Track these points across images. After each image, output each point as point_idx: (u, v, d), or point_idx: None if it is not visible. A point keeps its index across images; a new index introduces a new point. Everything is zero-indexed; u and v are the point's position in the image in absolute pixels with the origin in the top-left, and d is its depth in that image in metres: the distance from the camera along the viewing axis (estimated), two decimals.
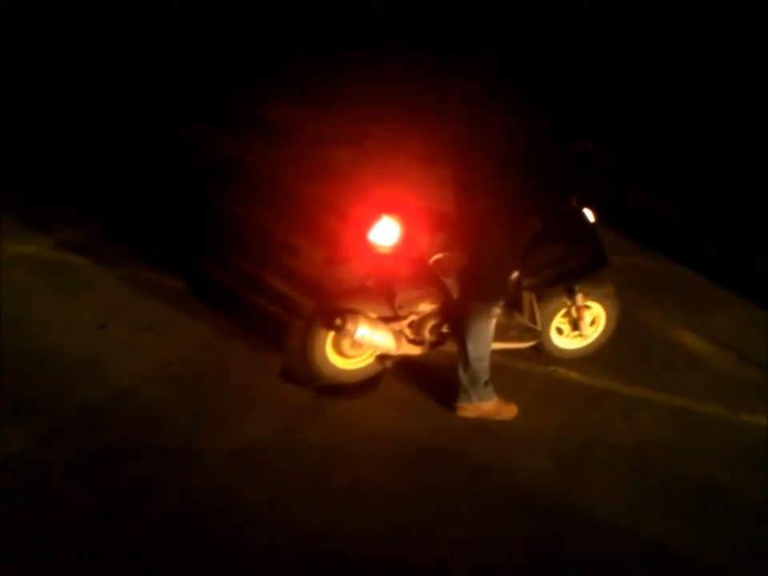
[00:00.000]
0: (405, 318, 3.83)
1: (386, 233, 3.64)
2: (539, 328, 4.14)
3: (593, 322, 4.36)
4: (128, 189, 5.11)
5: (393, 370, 4.04)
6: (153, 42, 5.75)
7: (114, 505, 3.08)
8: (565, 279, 4.11)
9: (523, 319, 4.10)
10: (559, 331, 4.34)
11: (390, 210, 3.63)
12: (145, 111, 4.95)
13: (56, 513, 3.00)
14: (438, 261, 3.76)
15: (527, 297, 4.09)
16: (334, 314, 3.64)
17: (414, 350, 3.91)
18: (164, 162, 4.54)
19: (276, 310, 3.80)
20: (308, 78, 4.39)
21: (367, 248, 3.64)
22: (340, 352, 3.84)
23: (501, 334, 3.92)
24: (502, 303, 3.78)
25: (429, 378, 4.05)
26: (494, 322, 3.74)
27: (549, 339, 4.29)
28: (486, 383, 3.80)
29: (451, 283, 3.79)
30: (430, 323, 3.87)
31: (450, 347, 3.88)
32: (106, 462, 3.29)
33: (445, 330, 3.91)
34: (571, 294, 4.20)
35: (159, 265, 4.67)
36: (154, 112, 4.80)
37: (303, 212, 3.82)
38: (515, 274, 3.88)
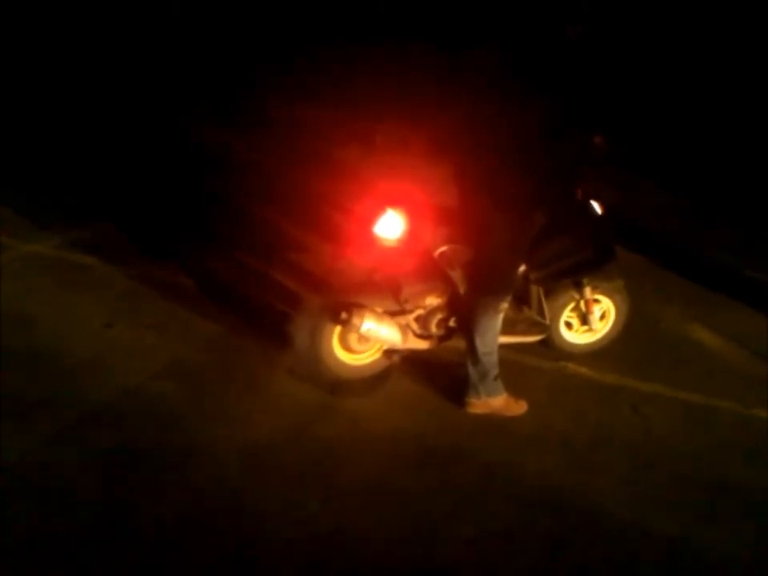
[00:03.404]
0: (411, 311, 3.81)
1: (391, 226, 3.62)
2: (547, 322, 4.12)
3: (602, 317, 4.33)
4: (134, 187, 5.11)
5: (401, 367, 4.02)
6: (157, 38, 5.75)
7: (124, 504, 3.07)
8: (572, 273, 4.09)
9: (531, 313, 4.09)
10: (568, 326, 4.30)
11: (395, 203, 3.61)
12: (151, 108, 4.94)
13: (65, 513, 3.00)
14: (443, 253, 3.74)
15: (535, 290, 4.07)
16: (339, 308, 3.63)
17: (421, 344, 3.89)
18: (169, 158, 4.53)
19: (282, 305, 3.78)
20: (314, 73, 4.38)
21: (373, 242, 3.63)
22: (347, 347, 3.82)
23: (509, 327, 3.89)
24: (509, 297, 3.75)
25: (437, 374, 4.03)
26: (501, 316, 3.71)
27: (558, 334, 4.26)
28: (496, 378, 3.78)
29: (457, 276, 3.77)
30: (437, 317, 3.86)
31: (459, 343, 3.86)
32: (114, 461, 3.29)
33: (452, 323, 3.89)
34: (580, 288, 4.17)
35: (165, 263, 4.66)
36: (160, 108, 4.80)
37: (309, 207, 3.80)
38: (522, 268, 3.87)
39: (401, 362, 4.00)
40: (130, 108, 5.25)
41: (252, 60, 4.78)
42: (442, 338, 3.92)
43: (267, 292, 3.89)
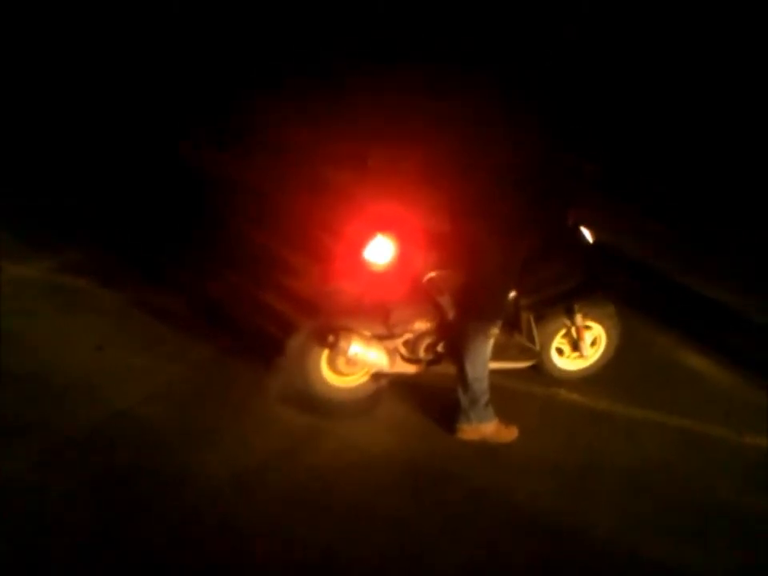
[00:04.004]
0: (400, 336, 3.82)
1: (380, 251, 3.64)
2: (537, 348, 4.12)
3: (593, 343, 4.33)
4: (127, 209, 5.13)
5: (392, 392, 4.02)
6: (154, 59, 5.80)
7: (113, 527, 3.05)
8: (563, 299, 4.10)
9: (522, 339, 4.09)
10: (560, 352, 4.31)
11: (385, 228, 3.64)
12: (143, 130, 4.98)
13: (55, 535, 2.98)
14: (432, 279, 3.75)
15: (525, 316, 4.08)
16: (327, 331, 3.65)
17: (409, 369, 3.90)
18: (162, 182, 4.57)
19: (272, 328, 3.79)
20: (306, 97, 4.42)
21: (362, 266, 3.65)
22: (335, 370, 3.82)
23: (499, 353, 3.90)
24: (499, 323, 3.76)
25: (428, 400, 4.02)
26: (491, 341, 3.72)
27: (549, 360, 4.27)
28: (486, 404, 3.78)
29: (446, 302, 3.78)
30: (425, 342, 3.86)
31: (449, 369, 3.86)
32: (105, 483, 3.27)
33: (440, 348, 3.89)
34: (571, 314, 4.18)
35: (158, 286, 4.67)
36: (154, 130, 4.84)
37: (299, 230, 3.84)
38: (513, 294, 3.89)
39: (391, 387, 4.00)
40: (122, 129, 5.29)
41: (244, 82, 4.82)
42: (430, 363, 3.92)
43: (258, 315, 3.91)
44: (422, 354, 3.87)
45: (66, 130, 5.82)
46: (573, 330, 4.24)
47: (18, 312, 4.33)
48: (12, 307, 4.34)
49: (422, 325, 3.84)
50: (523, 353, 4.11)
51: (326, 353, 3.76)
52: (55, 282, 4.69)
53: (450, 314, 3.80)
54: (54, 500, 3.14)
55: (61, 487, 3.21)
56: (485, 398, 3.77)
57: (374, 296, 3.76)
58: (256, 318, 3.92)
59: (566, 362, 4.35)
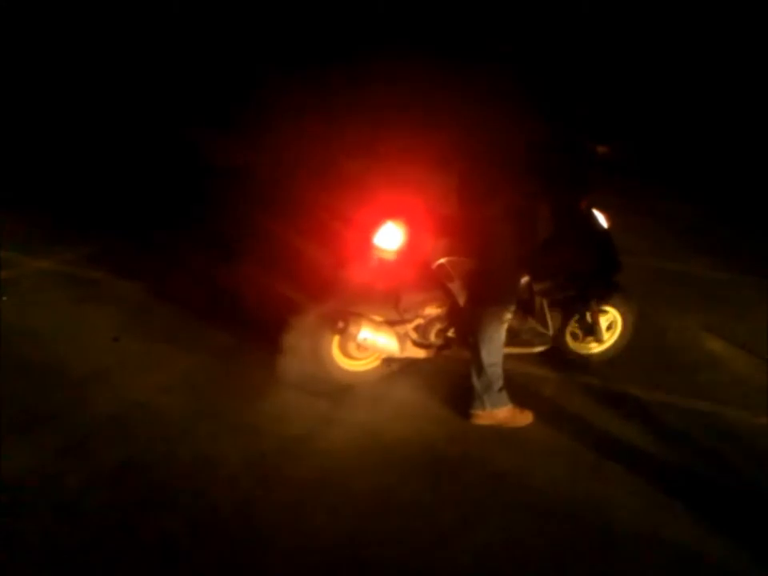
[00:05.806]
0: (410, 321, 3.84)
1: (390, 237, 3.66)
2: (551, 333, 4.11)
3: (609, 327, 4.31)
4: (142, 202, 5.17)
5: (405, 379, 4.03)
6: (165, 48, 5.83)
7: (133, 517, 3.07)
8: (577, 283, 4.08)
9: (535, 324, 4.08)
10: (575, 336, 4.29)
11: (395, 214, 3.65)
12: (156, 121, 5.02)
13: (75, 526, 2.99)
14: (442, 265, 3.76)
15: (539, 301, 4.06)
16: (337, 316, 3.68)
17: (419, 354, 3.92)
18: (173, 172, 4.60)
19: (285, 316, 3.81)
20: (317, 84, 4.44)
21: (372, 252, 3.67)
22: (347, 354, 3.87)
23: (512, 338, 3.89)
24: (513, 308, 3.76)
25: (444, 385, 4.03)
26: (505, 327, 3.72)
27: (564, 344, 4.26)
28: (501, 389, 3.77)
29: (456, 288, 3.79)
30: (436, 327, 3.88)
31: (460, 354, 3.87)
32: (124, 474, 3.29)
33: (451, 334, 3.90)
34: (586, 299, 4.16)
35: (174, 276, 4.70)
36: (162, 120, 4.87)
37: (310, 217, 3.87)
38: (526, 279, 3.88)
39: (404, 373, 4.01)
40: (137, 121, 5.33)
41: (255, 71, 4.84)
42: (440, 348, 3.94)
43: (271, 303, 3.93)
44: (432, 339, 3.89)
45: (79, 127, 5.88)
46: (588, 314, 4.21)
47: (37, 304, 4.40)
48: (31, 299, 4.41)
49: (432, 310, 3.86)
50: (537, 337, 4.09)
51: (337, 337, 3.79)
52: (73, 274, 4.77)
53: (461, 300, 3.80)
54: (73, 491, 3.17)
55: (80, 478, 3.23)
56: (499, 383, 3.76)
57: (384, 282, 3.78)
58: (269, 306, 3.95)
59: (582, 346, 4.34)
